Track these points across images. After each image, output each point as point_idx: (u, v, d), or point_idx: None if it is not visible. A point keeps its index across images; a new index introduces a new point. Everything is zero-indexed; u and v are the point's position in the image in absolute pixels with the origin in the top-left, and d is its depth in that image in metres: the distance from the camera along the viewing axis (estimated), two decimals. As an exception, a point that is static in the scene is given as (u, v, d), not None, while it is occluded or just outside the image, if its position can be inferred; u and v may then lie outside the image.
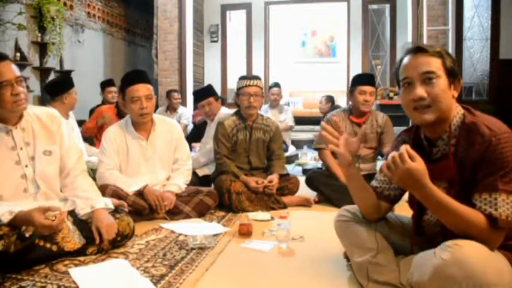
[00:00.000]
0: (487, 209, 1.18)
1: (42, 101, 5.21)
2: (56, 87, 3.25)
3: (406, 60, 1.34)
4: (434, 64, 1.28)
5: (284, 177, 2.89)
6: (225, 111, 3.35)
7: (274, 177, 2.77)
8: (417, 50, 1.32)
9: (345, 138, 1.47)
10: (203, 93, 3.38)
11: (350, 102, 3.02)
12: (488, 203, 1.18)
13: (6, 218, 1.53)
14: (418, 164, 1.17)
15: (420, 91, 1.27)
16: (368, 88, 2.86)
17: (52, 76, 5.50)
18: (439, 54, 1.30)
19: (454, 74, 1.30)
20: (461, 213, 1.18)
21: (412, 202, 1.45)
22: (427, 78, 1.27)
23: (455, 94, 1.31)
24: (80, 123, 3.75)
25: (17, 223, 1.56)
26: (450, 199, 1.19)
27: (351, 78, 8.00)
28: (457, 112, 1.31)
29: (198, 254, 1.86)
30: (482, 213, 1.18)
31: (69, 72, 5.72)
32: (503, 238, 1.21)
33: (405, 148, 1.18)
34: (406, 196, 2.87)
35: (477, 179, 1.21)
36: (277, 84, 5.48)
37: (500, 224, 1.17)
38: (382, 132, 2.97)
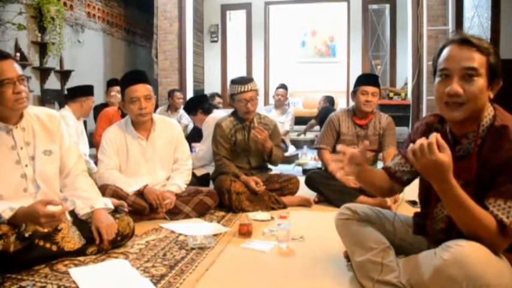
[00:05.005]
0: (498, 214, 1.17)
1: (42, 101, 5.20)
2: (79, 90, 3.53)
3: (448, 49, 1.25)
4: (478, 61, 1.20)
5: (284, 177, 2.90)
6: (213, 116, 3.37)
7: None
8: (463, 41, 1.22)
9: (347, 158, 1.40)
10: (187, 109, 3.70)
11: (353, 103, 2.99)
12: (502, 209, 1.17)
13: (7, 214, 1.53)
14: (446, 157, 1.11)
15: (457, 87, 1.20)
16: (370, 88, 2.82)
17: (52, 76, 5.50)
18: (486, 51, 1.21)
19: (495, 74, 1.23)
20: (475, 214, 1.16)
21: (422, 193, 1.44)
22: (468, 75, 1.20)
23: (492, 95, 1.25)
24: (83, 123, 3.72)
25: (18, 220, 1.56)
26: (467, 197, 1.16)
27: (351, 78, 7.96)
28: (488, 113, 1.26)
29: (198, 254, 1.86)
30: (494, 218, 1.17)
31: (69, 72, 5.72)
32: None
33: (435, 137, 1.13)
34: (406, 196, 2.88)
35: (495, 183, 1.19)
36: (283, 86, 5.52)
37: (509, 232, 1.16)
38: (383, 134, 2.92)
